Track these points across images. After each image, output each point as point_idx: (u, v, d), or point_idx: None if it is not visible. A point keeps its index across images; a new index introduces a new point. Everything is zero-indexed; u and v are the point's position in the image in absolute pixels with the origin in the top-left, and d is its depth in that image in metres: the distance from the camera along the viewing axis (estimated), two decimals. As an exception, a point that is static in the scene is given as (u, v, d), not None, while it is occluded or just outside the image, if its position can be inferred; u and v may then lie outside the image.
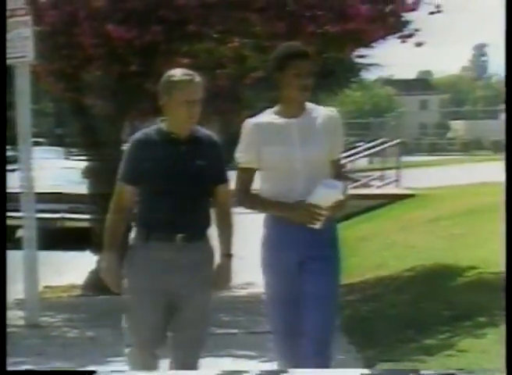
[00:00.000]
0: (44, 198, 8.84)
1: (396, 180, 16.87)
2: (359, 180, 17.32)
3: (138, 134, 3.74)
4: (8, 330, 4.94)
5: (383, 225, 12.28)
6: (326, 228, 3.64)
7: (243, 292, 7.86)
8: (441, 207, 12.65)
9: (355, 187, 15.25)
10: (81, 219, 10.74)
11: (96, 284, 7.32)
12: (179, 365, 3.74)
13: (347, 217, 12.08)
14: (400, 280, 7.92)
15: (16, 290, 6.97)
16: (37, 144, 15.64)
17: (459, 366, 4.86)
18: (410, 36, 7.61)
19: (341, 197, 3.56)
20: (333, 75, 14.55)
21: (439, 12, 7.48)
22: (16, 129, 6.73)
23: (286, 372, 3.55)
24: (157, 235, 3.65)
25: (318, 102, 3.84)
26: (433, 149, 43.49)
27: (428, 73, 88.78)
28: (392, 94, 65.03)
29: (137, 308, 3.68)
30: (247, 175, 3.71)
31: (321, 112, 3.71)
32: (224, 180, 3.76)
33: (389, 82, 65.88)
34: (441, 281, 7.35)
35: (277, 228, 3.66)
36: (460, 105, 74.31)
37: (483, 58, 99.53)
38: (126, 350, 3.77)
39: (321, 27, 7.04)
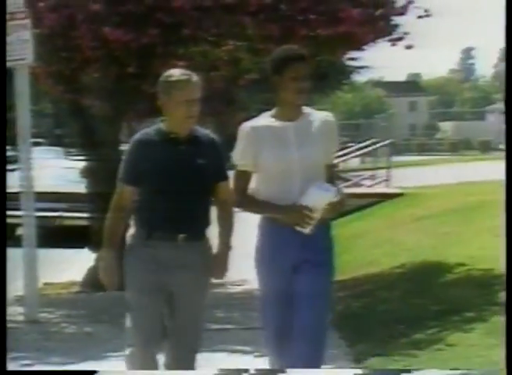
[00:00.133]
0: (44, 197, 8.81)
1: (387, 180, 16.89)
2: (351, 180, 17.33)
3: (138, 135, 3.71)
4: (8, 325, 4.92)
5: (374, 223, 12.30)
6: (321, 231, 3.59)
7: (237, 289, 7.86)
8: (430, 206, 12.66)
9: (347, 187, 15.25)
10: (79, 217, 10.72)
11: (94, 281, 7.29)
12: (176, 362, 3.71)
13: (339, 215, 12.08)
14: (390, 276, 7.93)
15: (15, 286, 6.96)
16: (36, 144, 15.59)
17: (448, 359, 4.87)
18: (399, 39, 7.62)
19: (333, 200, 3.52)
20: (325, 77, 14.56)
21: (427, 16, 7.50)
22: (15, 129, 6.71)
23: (283, 371, 3.55)
24: (158, 235, 3.61)
25: (310, 104, 3.81)
26: (422, 149, 43.59)
27: (417, 75, 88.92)
28: (383, 96, 65.11)
29: (139, 308, 3.63)
30: (243, 177, 3.67)
31: (318, 117, 3.67)
32: (224, 178, 3.72)
33: (379, 84, 65.93)
34: (430, 277, 7.36)
35: (272, 230, 3.61)
36: (449, 106, 74.42)
37: (470, 61, 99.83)
38: (127, 350, 3.70)
39: (314, 30, 7.04)
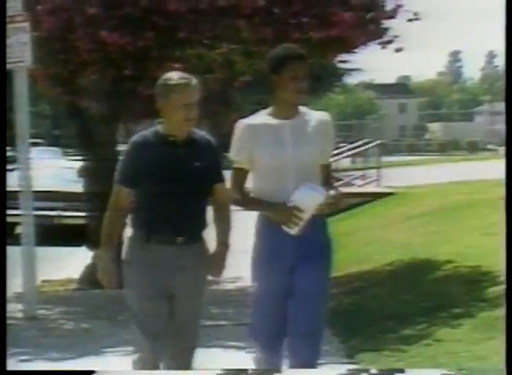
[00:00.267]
0: (42, 196, 8.81)
1: (377, 179, 16.91)
2: (342, 180, 17.35)
3: (136, 137, 3.65)
4: (7, 322, 4.91)
5: (365, 221, 12.31)
6: (318, 228, 3.56)
7: (232, 286, 7.85)
8: (419, 205, 12.69)
9: (338, 186, 15.25)
10: (77, 216, 10.70)
11: (91, 279, 7.29)
12: (175, 361, 3.68)
13: (331, 214, 12.08)
14: (381, 273, 7.94)
15: (14, 284, 6.94)
16: (35, 144, 15.60)
17: (435, 354, 4.88)
18: (389, 42, 7.63)
19: (321, 201, 3.45)
20: (318, 79, 14.57)
21: (416, 19, 7.50)
22: (14, 130, 6.70)
23: (281, 371, 3.54)
24: (157, 238, 3.57)
25: (304, 105, 3.79)
26: (412, 150, 43.60)
27: (406, 77, 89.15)
28: (373, 98, 65.25)
29: (144, 313, 3.57)
30: (239, 174, 3.63)
31: (314, 116, 3.62)
32: (221, 180, 3.68)
33: (370, 86, 66.05)
34: (419, 275, 7.37)
35: (269, 230, 3.57)
36: (437, 108, 74.56)
37: (458, 64, 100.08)
38: (135, 356, 3.62)
39: (306, 34, 7.04)
